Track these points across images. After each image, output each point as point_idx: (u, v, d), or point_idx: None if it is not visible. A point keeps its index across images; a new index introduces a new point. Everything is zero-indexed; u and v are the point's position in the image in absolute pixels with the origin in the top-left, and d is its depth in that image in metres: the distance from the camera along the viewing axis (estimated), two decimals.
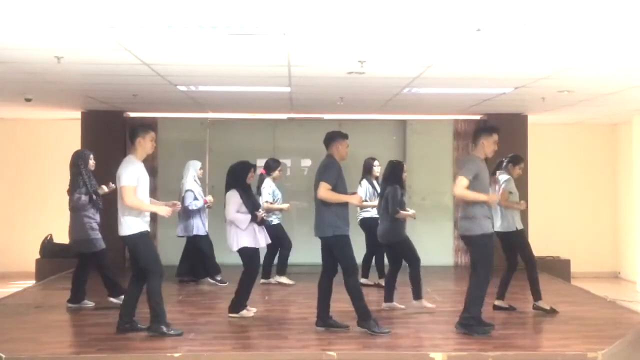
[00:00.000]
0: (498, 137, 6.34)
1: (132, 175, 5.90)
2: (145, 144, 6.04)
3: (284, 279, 9.02)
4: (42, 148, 11.93)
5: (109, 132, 10.46)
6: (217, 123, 11.35)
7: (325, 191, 6.16)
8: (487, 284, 6.21)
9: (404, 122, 11.47)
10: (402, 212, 7.21)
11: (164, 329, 6.00)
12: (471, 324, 6.15)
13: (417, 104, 9.53)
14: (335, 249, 6.24)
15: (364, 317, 6.19)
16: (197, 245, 8.87)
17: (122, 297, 6.58)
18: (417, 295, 7.27)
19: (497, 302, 7.28)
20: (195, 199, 8.65)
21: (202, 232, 8.83)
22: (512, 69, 6.87)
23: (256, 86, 8.06)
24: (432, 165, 11.27)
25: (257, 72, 7.00)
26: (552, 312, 7.14)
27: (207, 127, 11.32)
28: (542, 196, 11.62)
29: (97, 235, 7.19)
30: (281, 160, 9.49)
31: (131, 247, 6.06)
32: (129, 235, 5.95)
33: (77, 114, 10.74)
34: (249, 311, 6.96)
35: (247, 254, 6.86)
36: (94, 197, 7.18)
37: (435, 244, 11.06)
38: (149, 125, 6.44)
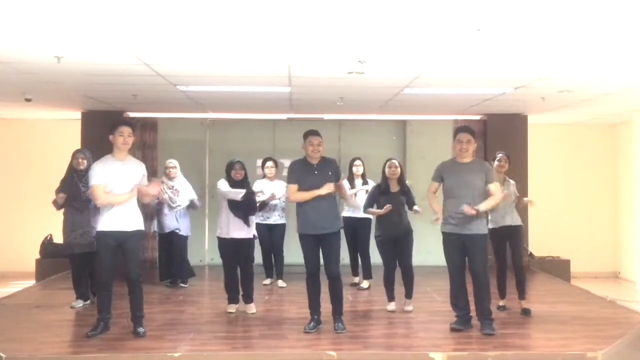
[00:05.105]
0: (463, 135, 6.31)
1: (96, 175, 5.99)
2: (115, 141, 6.12)
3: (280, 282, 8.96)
4: (42, 148, 11.93)
5: (109, 132, 10.43)
6: (217, 123, 11.35)
7: (291, 194, 6.31)
8: (486, 281, 6.33)
9: (404, 122, 11.47)
10: (369, 209, 7.42)
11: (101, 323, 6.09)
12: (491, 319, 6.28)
13: (417, 104, 9.52)
14: None
15: None
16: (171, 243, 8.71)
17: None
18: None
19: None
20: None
21: (158, 230, 8.73)
22: (512, 69, 6.87)
23: (256, 86, 8.05)
24: (432, 166, 11.06)
25: (257, 72, 7.00)
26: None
27: (207, 127, 11.32)
28: (542, 196, 11.57)
29: (68, 238, 7.38)
30: (281, 161, 9.43)
31: None
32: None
33: (77, 114, 10.74)
34: (230, 307, 7.18)
35: (218, 244, 7.19)
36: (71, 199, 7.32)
37: (435, 243, 10.97)
38: (123, 120, 6.67)
